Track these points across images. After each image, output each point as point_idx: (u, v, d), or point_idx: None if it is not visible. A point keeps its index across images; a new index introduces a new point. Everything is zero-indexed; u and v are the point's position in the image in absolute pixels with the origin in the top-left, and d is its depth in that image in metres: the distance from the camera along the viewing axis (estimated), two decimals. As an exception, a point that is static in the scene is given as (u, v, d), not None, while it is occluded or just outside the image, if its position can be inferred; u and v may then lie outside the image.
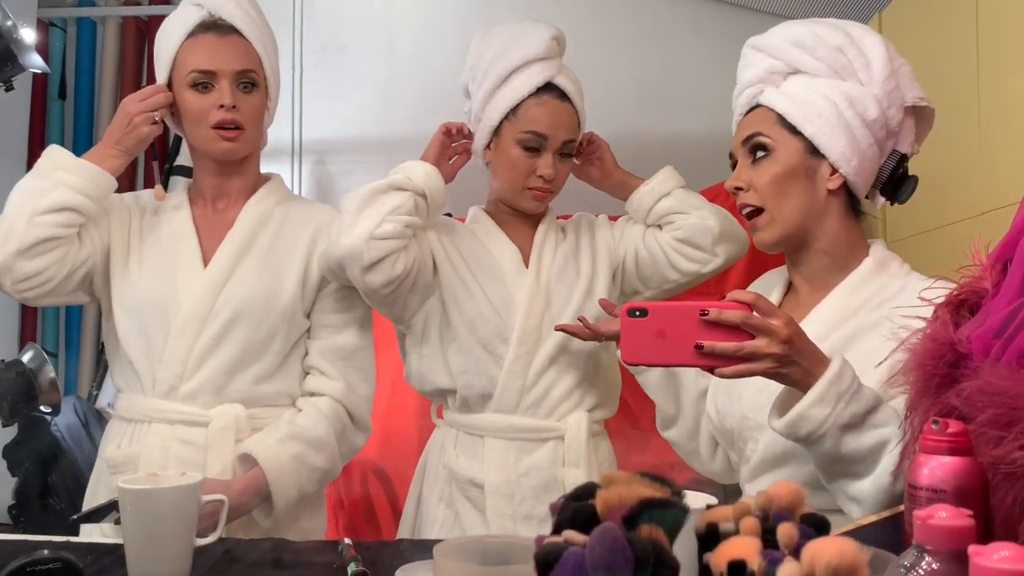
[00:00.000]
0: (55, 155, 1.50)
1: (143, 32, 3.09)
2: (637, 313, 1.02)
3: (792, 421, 1.04)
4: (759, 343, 1.01)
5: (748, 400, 1.24)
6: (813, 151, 1.24)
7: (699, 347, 1.01)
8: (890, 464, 1.02)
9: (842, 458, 1.05)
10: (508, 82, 1.57)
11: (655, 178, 1.65)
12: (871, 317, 1.19)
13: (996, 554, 0.55)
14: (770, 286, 1.36)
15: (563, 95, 1.58)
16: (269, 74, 1.56)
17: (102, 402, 2.71)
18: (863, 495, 1.05)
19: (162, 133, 3.06)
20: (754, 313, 1.02)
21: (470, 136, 1.65)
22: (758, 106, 1.29)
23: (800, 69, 1.27)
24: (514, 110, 1.57)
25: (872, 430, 1.04)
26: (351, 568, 1.06)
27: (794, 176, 1.24)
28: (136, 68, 3.09)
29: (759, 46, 1.31)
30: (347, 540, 1.16)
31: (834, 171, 1.24)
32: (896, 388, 1.05)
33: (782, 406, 1.08)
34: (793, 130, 1.24)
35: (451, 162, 1.66)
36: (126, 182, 2.93)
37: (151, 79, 3.08)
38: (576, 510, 0.67)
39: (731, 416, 1.27)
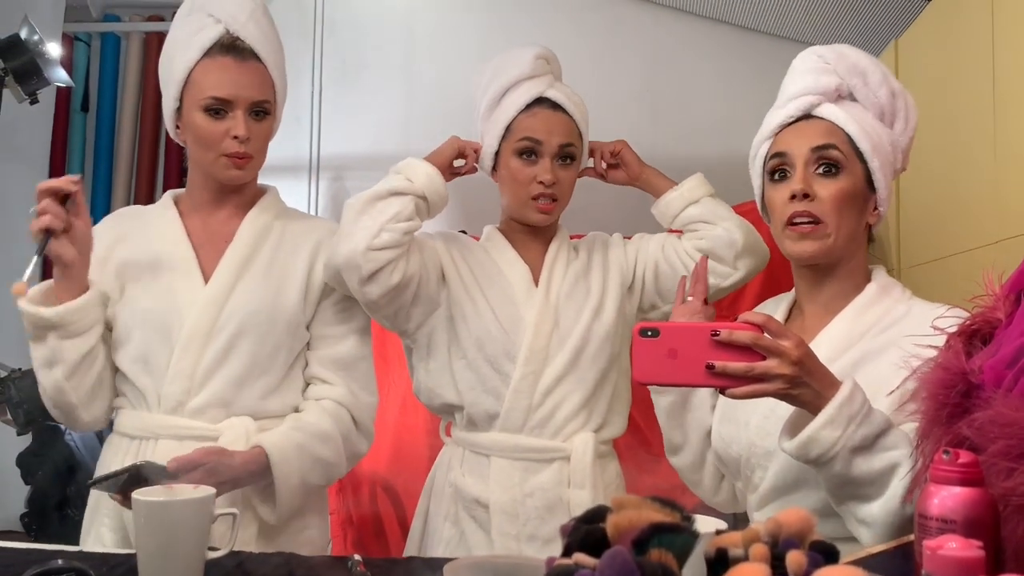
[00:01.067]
0: None
1: (166, 47, 3.13)
2: (649, 333, 1.03)
3: (803, 443, 1.05)
4: (770, 364, 1.01)
5: (755, 427, 1.24)
6: (869, 183, 1.26)
7: (710, 367, 1.01)
8: (900, 487, 1.02)
9: (852, 480, 1.05)
10: (500, 104, 1.63)
11: (685, 184, 1.66)
12: (877, 341, 1.20)
13: (1005, 586, 0.55)
14: (772, 309, 1.36)
15: (555, 106, 1.62)
16: (280, 97, 1.56)
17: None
18: (872, 518, 1.05)
19: (180, 156, 3.12)
20: (765, 335, 1.03)
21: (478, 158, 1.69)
22: (817, 118, 1.28)
23: (856, 98, 1.29)
24: (509, 128, 1.62)
25: (882, 453, 1.04)
26: (361, 584, 1.06)
27: (854, 200, 1.25)
28: (158, 83, 3.13)
29: (827, 58, 1.31)
30: (357, 556, 1.16)
31: (876, 208, 1.28)
32: (905, 414, 1.07)
33: (793, 428, 1.09)
34: (859, 156, 1.25)
35: (458, 164, 1.68)
36: (145, 198, 2.96)
37: (172, 94, 3.15)
38: (587, 533, 0.68)
39: (737, 444, 1.27)
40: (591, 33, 2.67)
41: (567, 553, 0.67)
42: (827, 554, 0.69)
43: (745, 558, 0.68)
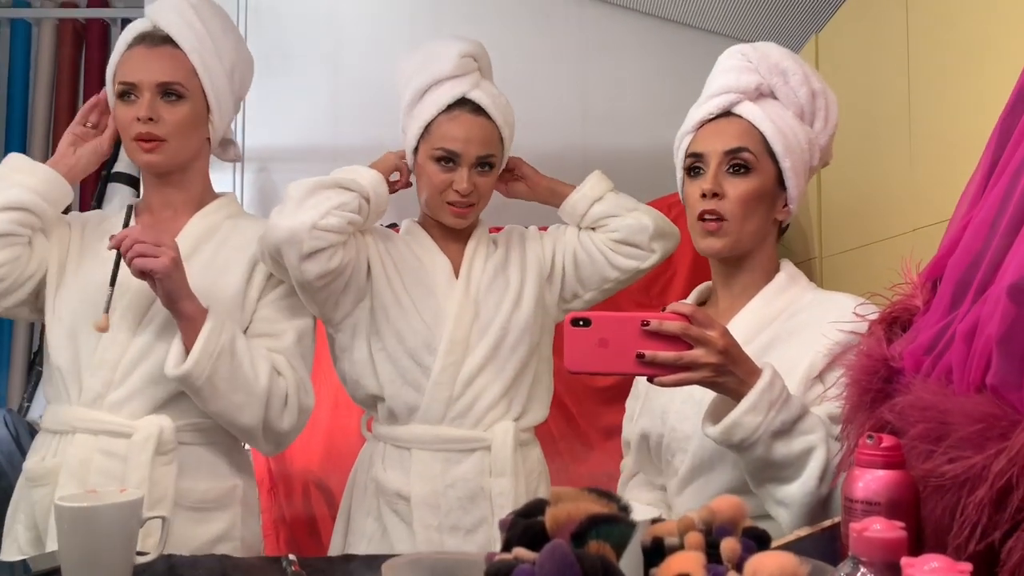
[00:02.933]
0: (13, 160, 1.54)
1: (80, 35, 3.02)
2: (580, 323, 1.06)
3: (727, 428, 1.08)
4: (697, 353, 1.05)
5: (674, 412, 1.28)
6: (780, 182, 1.32)
7: (640, 356, 1.04)
8: (815, 469, 1.08)
9: (772, 463, 1.09)
10: (422, 101, 1.62)
11: (585, 184, 1.69)
12: (786, 327, 1.27)
13: (927, 565, 0.57)
14: (693, 299, 1.42)
15: (478, 109, 1.60)
16: (208, 85, 1.53)
17: (33, 414, 2.63)
18: (790, 499, 1.09)
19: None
20: (692, 324, 1.05)
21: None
22: (736, 116, 1.33)
23: (777, 96, 1.34)
24: (427, 128, 1.60)
25: (800, 437, 1.09)
26: (296, 585, 1.05)
27: (761, 200, 1.31)
28: (73, 70, 3.01)
29: (750, 57, 1.35)
30: (292, 556, 1.15)
31: (786, 204, 1.34)
32: (815, 394, 1.17)
33: (715, 414, 1.13)
34: (771, 156, 1.31)
35: (391, 179, 1.67)
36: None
37: (88, 82, 3.04)
38: (525, 527, 0.68)
39: (656, 432, 1.31)
40: (520, 24, 2.67)
41: (506, 548, 0.68)
42: (759, 540, 0.71)
43: (681, 546, 0.70)
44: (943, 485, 0.74)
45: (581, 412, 2.24)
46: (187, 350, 1.40)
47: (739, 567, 0.64)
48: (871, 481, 0.77)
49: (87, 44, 3.02)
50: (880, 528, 0.65)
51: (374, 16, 2.73)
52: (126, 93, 1.49)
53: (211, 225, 1.57)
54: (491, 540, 1.53)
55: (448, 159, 1.58)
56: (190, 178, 1.58)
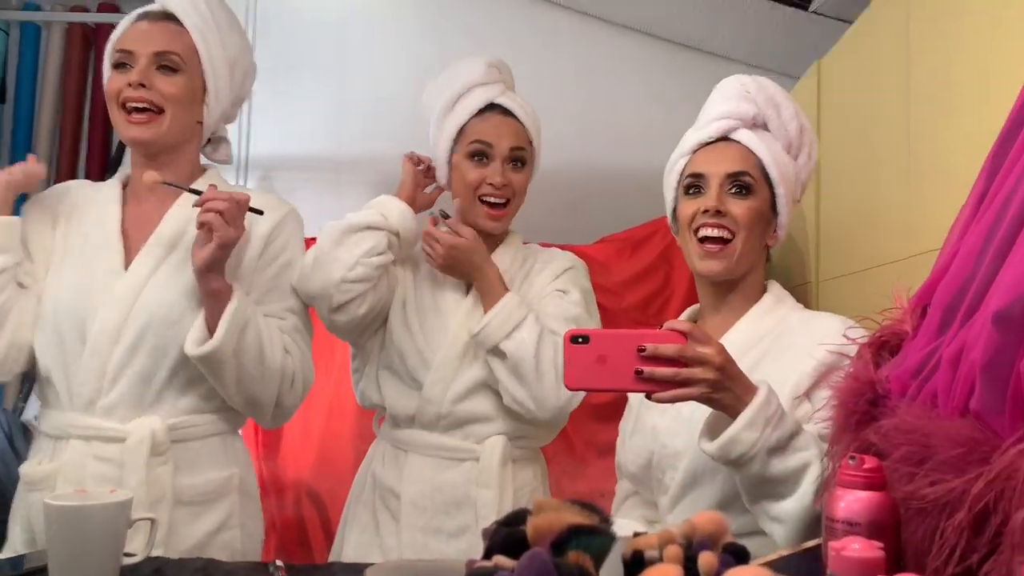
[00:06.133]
0: None
1: (89, 39, 3.04)
2: (580, 340, 1.07)
3: (724, 444, 1.09)
4: (695, 370, 1.06)
5: (664, 429, 1.30)
6: (773, 207, 1.36)
7: (639, 372, 1.05)
8: (810, 485, 1.09)
9: (768, 480, 1.10)
10: (453, 110, 1.66)
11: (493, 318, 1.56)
12: (774, 346, 1.29)
13: (902, 585, 0.58)
14: (685, 318, 1.43)
15: (507, 112, 1.65)
16: (207, 64, 1.51)
17: (28, 415, 2.63)
18: (786, 515, 1.10)
19: (104, 147, 3.03)
20: (689, 342, 1.06)
21: (432, 170, 1.71)
22: (734, 141, 1.36)
23: (769, 128, 1.38)
24: (461, 132, 1.65)
25: (795, 453, 1.10)
26: (281, 590, 1.05)
27: (759, 222, 1.34)
28: (81, 74, 3.04)
29: (748, 87, 1.39)
30: (278, 562, 1.15)
31: (775, 230, 1.38)
32: (800, 413, 1.19)
33: (712, 430, 1.13)
34: (767, 182, 1.34)
35: (428, 191, 1.71)
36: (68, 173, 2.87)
37: (96, 85, 3.06)
38: (507, 535, 0.69)
39: (647, 450, 1.32)
40: (522, 41, 2.69)
41: (488, 555, 0.68)
42: (738, 555, 0.71)
43: (660, 559, 0.70)
44: (924, 508, 0.75)
45: (576, 430, 2.25)
46: (210, 327, 1.40)
47: (717, 582, 0.64)
48: (852, 502, 0.78)
49: (96, 48, 3.05)
50: (859, 548, 0.65)
51: (380, 28, 2.76)
52: (121, 63, 1.47)
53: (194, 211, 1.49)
54: (473, 547, 1.54)
55: (482, 154, 1.63)
56: (178, 161, 1.53)
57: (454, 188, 1.68)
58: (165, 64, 1.47)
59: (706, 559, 0.67)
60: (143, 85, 1.44)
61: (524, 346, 1.51)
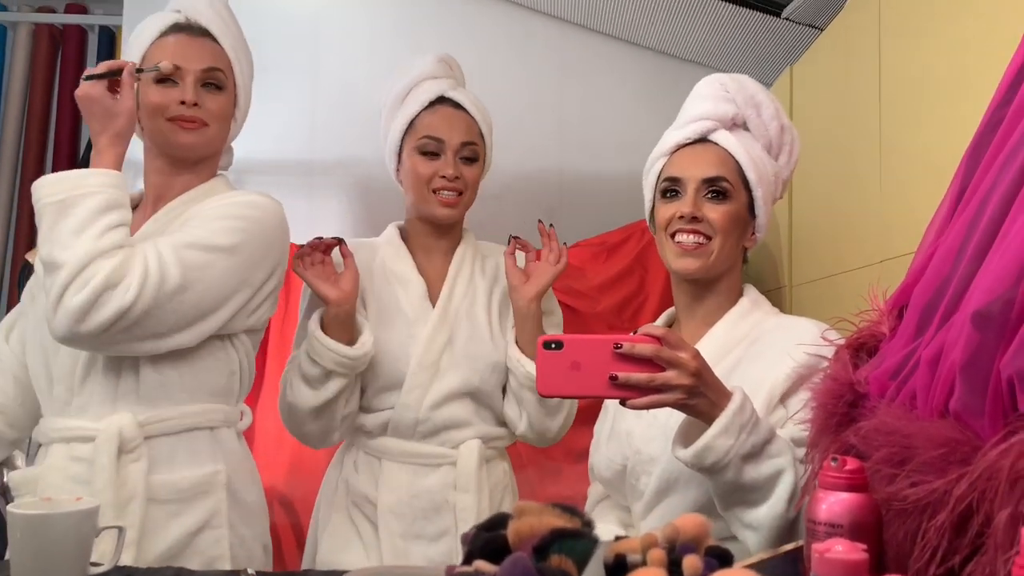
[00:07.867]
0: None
1: (56, 40, 3.00)
2: (553, 346, 1.05)
3: (699, 451, 1.08)
4: (670, 375, 1.04)
5: (639, 435, 1.28)
6: (751, 209, 1.35)
7: (613, 378, 1.04)
8: (784, 492, 1.08)
9: (742, 487, 1.09)
10: (403, 102, 1.67)
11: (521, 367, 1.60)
12: (751, 351, 1.28)
13: (887, 587, 0.57)
14: (661, 323, 1.43)
15: (457, 106, 1.66)
16: (239, 82, 1.54)
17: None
18: (759, 522, 1.09)
19: (71, 150, 2.98)
20: (663, 347, 1.05)
21: (324, 247, 1.61)
22: (712, 143, 1.35)
23: (749, 128, 1.37)
24: (411, 125, 1.65)
25: (769, 460, 1.09)
26: (254, 599, 1.03)
27: (736, 226, 1.33)
28: (48, 75, 2.99)
29: (728, 87, 1.37)
30: (251, 570, 1.13)
31: (753, 232, 1.37)
32: (776, 417, 1.18)
33: (686, 437, 1.12)
34: (745, 184, 1.33)
35: (340, 273, 1.58)
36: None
37: (64, 86, 3.01)
38: (487, 540, 0.68)
39: (620, 457, 1.31)
40: (500, 45, 2.69)
41: (468, 560, 0.67)
42: (722, 559, 0.70)
43: (643, 563, 0.69)
44: (905, 509, 0.74)
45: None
46: None
47: (701, 585, 0.64)
48: (834, 503, 0.78)
49: (63, 50, 3.00)
50: (842, 550, 0.65)
51: (353, 30, 2.74)
52: (166, 78, 1.46)
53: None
54: (454, 550, 1.56)
55: (433, 150, 1.62)
56: (201, 168, 1.54)
57: (405, 182, 1.67)
58: (211, 81, 1.49)
59: (691, 562, 0.66)
60: (196, 104, 1.46)
61: None
